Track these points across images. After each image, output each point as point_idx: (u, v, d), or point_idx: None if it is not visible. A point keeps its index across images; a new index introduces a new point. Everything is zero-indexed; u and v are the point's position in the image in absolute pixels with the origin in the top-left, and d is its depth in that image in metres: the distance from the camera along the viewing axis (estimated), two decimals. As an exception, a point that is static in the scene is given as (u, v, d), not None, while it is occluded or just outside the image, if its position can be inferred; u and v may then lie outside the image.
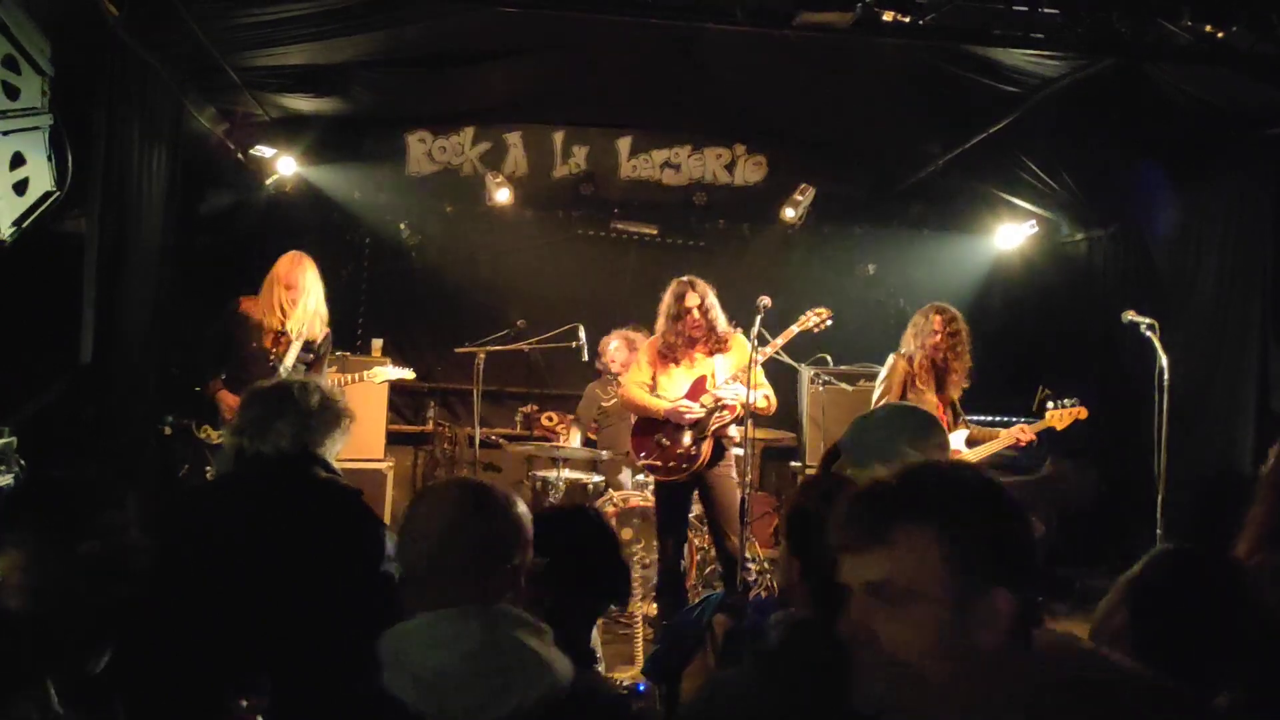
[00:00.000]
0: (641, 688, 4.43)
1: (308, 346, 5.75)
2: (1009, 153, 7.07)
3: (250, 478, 2.80)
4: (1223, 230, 6.49)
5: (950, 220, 8.49)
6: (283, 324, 5.65)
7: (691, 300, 5.58)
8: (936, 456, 2.69)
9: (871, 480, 1.57)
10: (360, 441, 6.84)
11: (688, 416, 5.52)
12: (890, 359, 5.78)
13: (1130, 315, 5.60)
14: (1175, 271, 6.91)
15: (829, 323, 5.80)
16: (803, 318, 5.77)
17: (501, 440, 7.71)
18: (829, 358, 7.11)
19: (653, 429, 5.67)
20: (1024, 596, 1.38)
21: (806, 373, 7.16)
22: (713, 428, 5.51)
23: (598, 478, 7.01)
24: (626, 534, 6.49)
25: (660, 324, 5.71)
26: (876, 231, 8.61)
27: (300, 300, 5.69)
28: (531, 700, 1.75)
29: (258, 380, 5.19)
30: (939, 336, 5.63)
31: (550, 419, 7.82)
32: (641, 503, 6.53)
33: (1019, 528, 1.42)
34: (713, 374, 5.59)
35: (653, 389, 5.70)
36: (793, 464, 7.59)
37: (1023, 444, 5.61)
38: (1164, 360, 5.41)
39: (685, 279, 5.73)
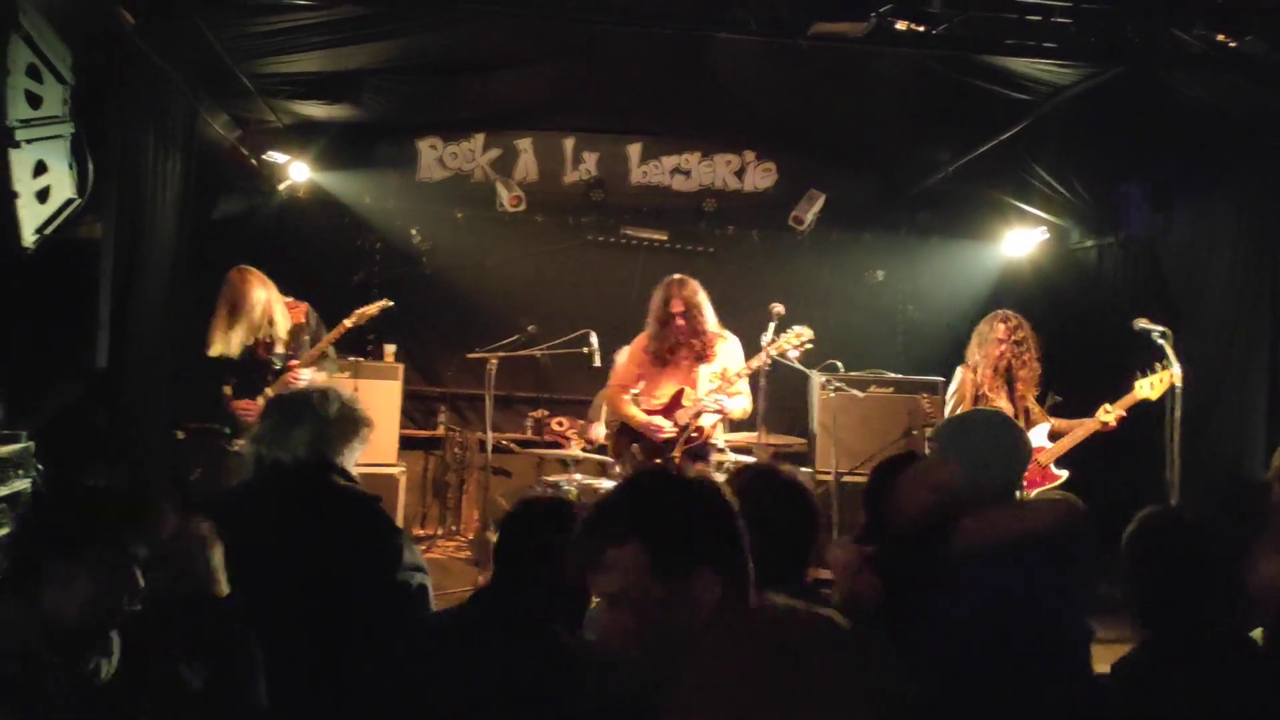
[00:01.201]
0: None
1: (297, 331, 5.84)
2: (1019, 159, 7.07)
3: (268, 486, 2.81)
4: (1233, 237, 6.49)
5: (959, 227, 8.49)
6: (266, 340, 5.73)
7: (675, 306, 5.52)
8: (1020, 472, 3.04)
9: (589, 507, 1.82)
10: (373, 446, 6.80)
11: (660, 436, 5.50)
12: (958, 371, 5.78)
13: (1142, 323, 5.58)
14: (1185, 278, 6.90)
15: (809, 345, 5.68)
16: (783, 340, 5.63)
17: (512, 445, 7.73)
18: (839, 364, 7.11)
19: (631, 436, 5.66)
20: (729, 569, 1.59)
21: (818, 379, 7.17)
22: (683, 447, 5.48)
23: (609, 483, 7.02)
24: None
25: (649, 324, 5.68)
26: (885, 238, 8.62)
27: (268, 312, 5.74)
28: None
29: (264, 385, 5.34)
30: (1003, 345, 5.63)
31: (560, 424, 7.84)
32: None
33: (711, 509, 1.62)
34: (694, 384, 5.55)
35: (637, 388, 5.68)
36: (803, 469, 7.58)
37: (1112, 427, 5.45)
38: (1176, 368, 5.40)
39: (674, 279, 5.65)
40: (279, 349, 5.71)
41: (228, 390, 5.57)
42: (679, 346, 5.55)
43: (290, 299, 5.92)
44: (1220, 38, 4.70)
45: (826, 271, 8.55)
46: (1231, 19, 4.60)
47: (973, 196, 8.09)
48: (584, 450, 7.18)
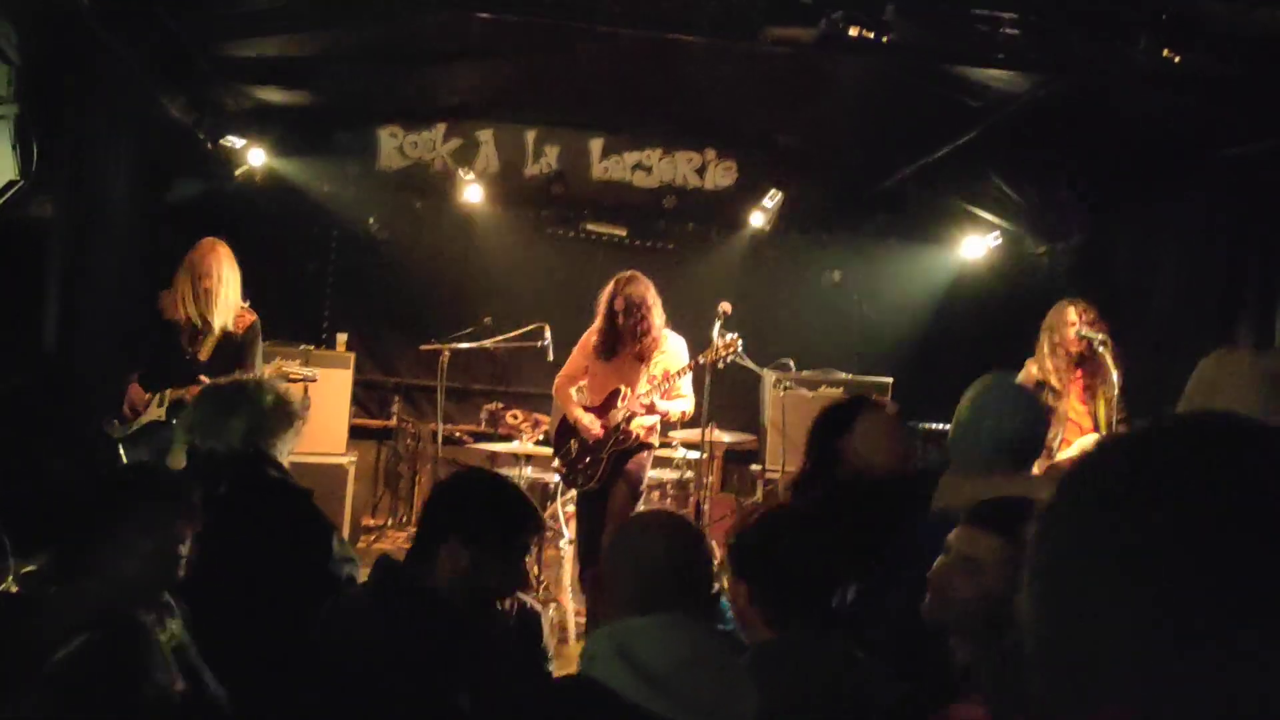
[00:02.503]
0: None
1: (228, 339, 5.36)
2: (973, 165, 7.17)
3: (202, 476, 2.82)
4: (1180, 248, 6.60)
5: (915, 230, 8.58)
6: (198, 317, 5.30)
7: (617, 304, 5.53)
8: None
9: None
10: (323, 436, 6.87)
11: (591, 434, 5.52)
12: (1025, 366, 5.61)
13: (1084, 330, 5.63)
14: (1132, 287, 7.02)
15: (736, 354, 5.58)
16: (715, 346, 5.54)
17: (465, 437, 7.74)
18: (791, 362, 7.18)
19: (570, 432, 5.69)
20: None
21: (770, 376, 7.23)
22: (610, 449, 5.49)
23: (555, 478, 7.05)
24: (587, 532, 6.53)
25: (596, 318, 5.68)
26: (843, 239, 8.70)
27: (219, 291, 5.31)
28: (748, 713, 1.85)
29: (172, 379, 5.12)
30: (1072, 327, 5.44)
31: (515, 417, 7.85)
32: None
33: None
34: (635, 384, 5.54)
35: (583, 381, 5.73)
36: (753, 467, 7.66)
37: None
38: (1115, 375, 5.48)
39: (624, 275, 5.65)
40: (203, 354, 5.30)
41: (133, 375, 5.28)
42: (619, 344, 5.55)
43: (245, 305, 5.51)
44: (1165, 53, 4.79)
45: (784, 270, 8.63)
46: (1177, 35, 4.70)
47: (929, 200, 8.19)
48: (536, 444, 7.21)
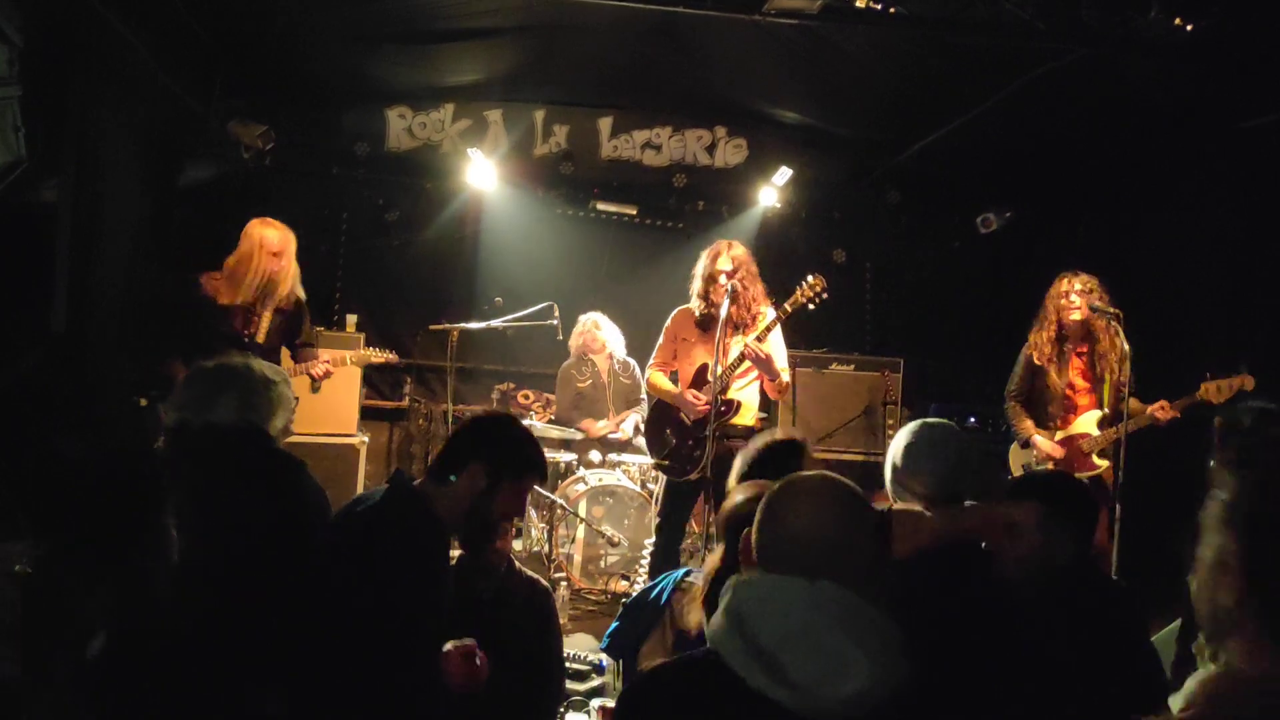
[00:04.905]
0: (603, 663, 4.52)
1: (282, 314, 5.51)
2: (984, 140, 7.10)
3: (202, 449, 2.83)
4: (1195, 220, 6.54)
5: (926, 207, 8.51)
6: (263, 296, 5.40)
7: (723, 263, 5.23)
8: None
9: None
10: (335, 416, 6.89)
11: (696, 406, 5.21)
12: None
13: (1097, 303, 5.58)
14: (1145, 262, 6.96)
15: (824, 295, 5.25)
16: (798, 292, 5.24)
17: (476, 417, 7.73)
18: (802, 341, 7.16)
19: (663, 424, 5.41)
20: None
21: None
22: (715, 424, 5.04)
23: (570, 456, 7.07)
24: (598, 512, 6.54)
25: (694, 289, 5.42)
26: (853, 217, 8.63)
27: (288, 268, 5.47)
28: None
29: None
30: (1060, 300, 5.46)
31: (526, 396, 7.87)
32: (614, 482, 6.60)
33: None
34: (725, 355, 5.17)
35: (671, 369, 5.47)
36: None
37: (1162, 422, 5.16)
38: (1126, 347, 5.42)
39: (724, 240, 5.40)
40: (260, 335, 5.39)
41: (178, 361, 5.32)
42: (719, 314, 5.14)
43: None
44: (1177, 21, 4.74)
45: (794, 248, 8.55)
46: (1188, 3, 4.64)
47: (940, 177, 8.12)
48: (548, 423, 7.23)
